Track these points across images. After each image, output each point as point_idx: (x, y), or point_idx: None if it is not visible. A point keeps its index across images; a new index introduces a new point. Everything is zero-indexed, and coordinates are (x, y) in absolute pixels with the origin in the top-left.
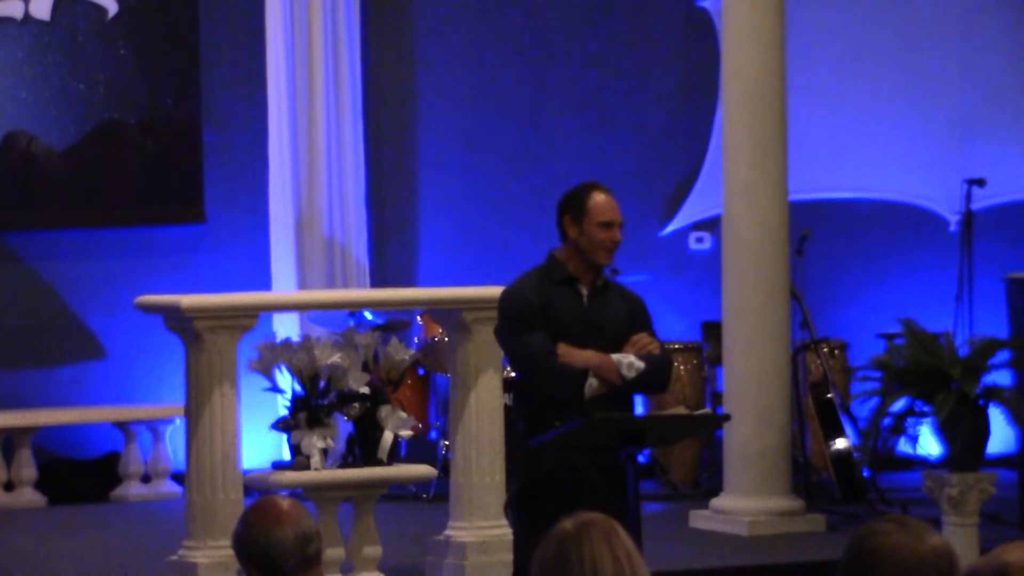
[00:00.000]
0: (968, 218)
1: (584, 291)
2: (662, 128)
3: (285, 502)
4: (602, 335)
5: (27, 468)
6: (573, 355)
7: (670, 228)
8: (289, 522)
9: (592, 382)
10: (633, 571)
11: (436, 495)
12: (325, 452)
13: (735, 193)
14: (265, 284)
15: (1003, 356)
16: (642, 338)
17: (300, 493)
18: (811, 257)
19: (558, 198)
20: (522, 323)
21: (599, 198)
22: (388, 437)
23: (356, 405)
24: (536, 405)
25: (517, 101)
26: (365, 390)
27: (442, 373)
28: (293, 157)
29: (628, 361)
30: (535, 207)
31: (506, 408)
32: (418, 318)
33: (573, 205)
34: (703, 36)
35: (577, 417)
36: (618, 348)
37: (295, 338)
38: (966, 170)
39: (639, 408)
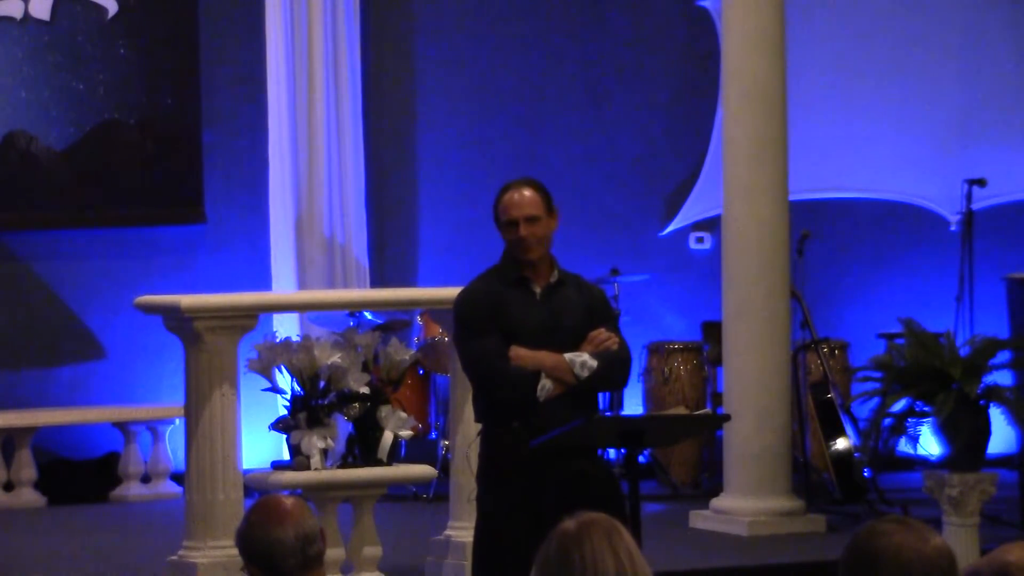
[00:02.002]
0: (969, 218)
1: (537, 289)
2: (662, 128)
3: (288, 501)
4: (557, 334)
5: (27, 468)
6: (524, 357)
7: (670, 228)
8: (291, 522)
9: (546, 383)
10: (635, 571)
11: (436, 495)
12: (325, 452)
13: (735, 193)
14: (265, 284)
15: (1004, 356)
16: (599, 334)
17: (300, 493)
18: (811, 257)
19: (557, 197)
20: (472, 329)
21: (505, 196)
22: (388, 437)
23: (356, 405)
24: (492, 406)
25: (517, 101)
26: (365, 390)
27: (442, 373)
28: (293, 157)
29: (581, 360)
30: None
31: None
32: (418, 318)
33: (494, 207)
34: (703, 36)
35: (534, 417)
36: (577, 345)
37: (295, 338)
38: (967, 170)
39: (639, 408)
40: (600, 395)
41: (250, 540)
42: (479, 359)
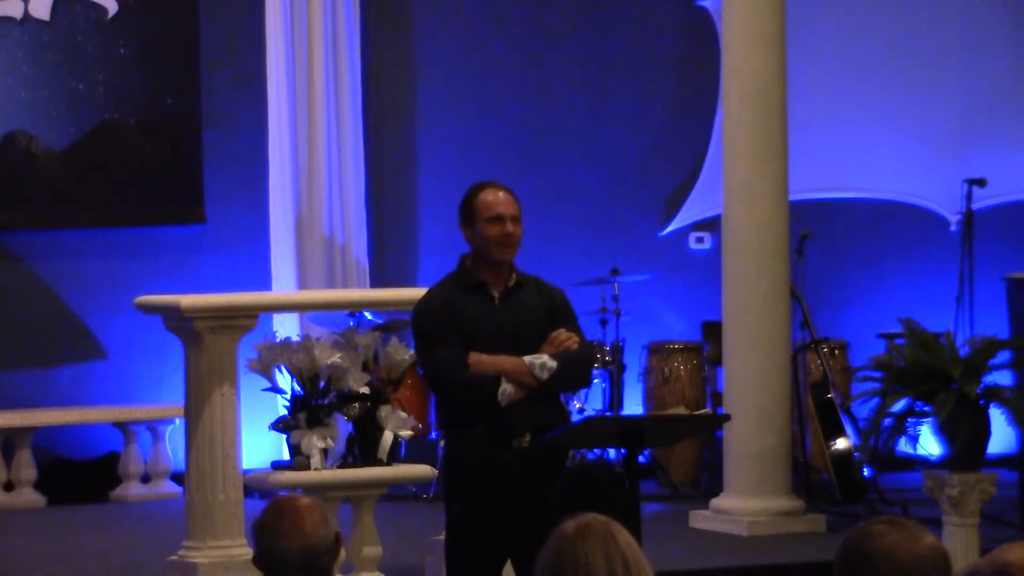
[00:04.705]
0: (969, 218)
1: (495, 294)
2: (662, 128)
3: (303, 508)
4: (517, 337)
5: (27, 468)
6: (483, 363)
7: (670, 228)
8: (298, 534)
9: (506, 388)
10: (629, 574)
11: (436, 495)
12: (325, 452)
13: (735, 193)
14: (265, 284)
15: (1003, 356)
16: (559, 335)
17: (300, 493)
18: (811, 257)
19: (557, 197)
20: (431, 337)
21: (485, 195)
22: (388, 437)
23: (356, 405)
24: (456, 411)
25: (517, 101)
26: (365, 390)
27: None
28: (293, 157)
29: (540, 362)
30: (534, 207)
31: None
32: None
33: (463, 208)
34: (703, 36)
35: (497, 422)
36: (538, 347)
37: (295, 338)
38: (967, 170)
39: (639, 408)
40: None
41: (258, 540)
42: (439, 368)
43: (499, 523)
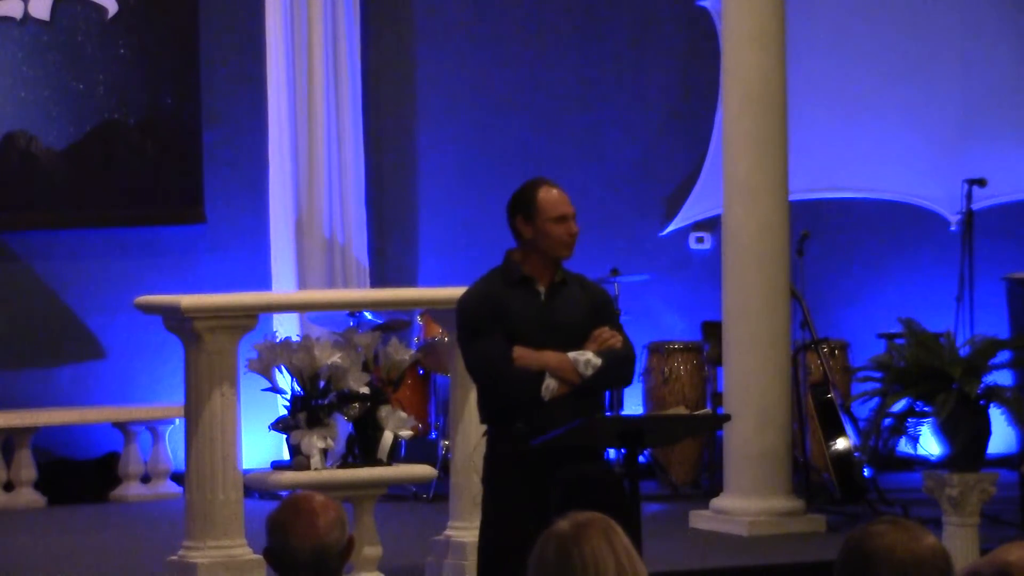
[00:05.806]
0: (969, 218)
1: (541, 289)
2: (662, 128)
3: (319, 508)
4: (561, 333)
5: (27, 468)
6: (528, 358)
7: (670, 228)
8: (311, 535)
9: (550, 383)
10: (634, 569)
11: (436, 495)
12: (325, 452)
13: (735, 193)
14: (265, 284)
15: (1004, 356)
16: (603, 332)
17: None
18: (811, 257)
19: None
20: (476, 330)
21: (548, 193)
22: (388, 437)
23: (356, 405)
24: (497, 408)
25: (517, 101)
26: (365, 390)
27: (442, 373)
28: (293, 157)
29: (585, 359)
30: None
31: None
32: (418, 318)
33: (523, 204)
34: (703, 36)
35: (538, 417)
36: (580, 344)
37: (295, 338)
38: (967, 170)
39: (639, 408)
40: (604, 394)
41: (270, 535)
42: (483, 360)
43: (537, 520)
